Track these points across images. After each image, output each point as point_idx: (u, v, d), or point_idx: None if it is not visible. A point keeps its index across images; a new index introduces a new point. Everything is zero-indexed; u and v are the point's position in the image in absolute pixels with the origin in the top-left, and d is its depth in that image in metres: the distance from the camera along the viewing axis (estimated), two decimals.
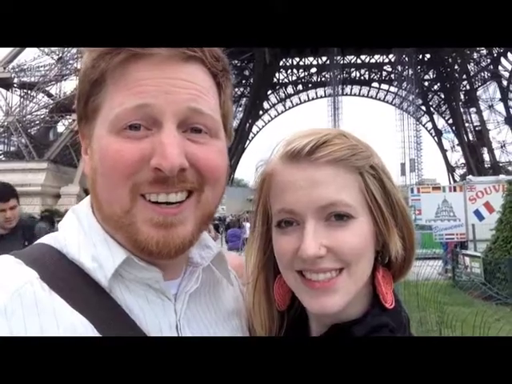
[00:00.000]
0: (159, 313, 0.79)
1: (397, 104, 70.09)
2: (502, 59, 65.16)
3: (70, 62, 49.40)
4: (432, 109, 74.88)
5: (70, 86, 50.49)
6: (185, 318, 0.83)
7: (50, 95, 50.21)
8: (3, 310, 0.65)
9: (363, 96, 77.70)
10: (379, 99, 76.82)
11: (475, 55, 67.64)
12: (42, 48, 48.97)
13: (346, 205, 0.80)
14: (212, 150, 0.78)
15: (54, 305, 0.69)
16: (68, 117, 48.06)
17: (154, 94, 0.73)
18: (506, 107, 66.55)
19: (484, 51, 66.48)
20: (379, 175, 0.85)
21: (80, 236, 0.80)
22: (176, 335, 0.80)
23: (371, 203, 0.83)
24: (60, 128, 50.18)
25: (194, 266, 0.89)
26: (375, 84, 76.53)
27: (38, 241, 0.83)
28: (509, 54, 63.41)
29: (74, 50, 48.98)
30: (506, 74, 65.49)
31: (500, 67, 66.23)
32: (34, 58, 49.58)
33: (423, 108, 73.92)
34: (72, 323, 0.69)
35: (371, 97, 77.25)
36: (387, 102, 75.69)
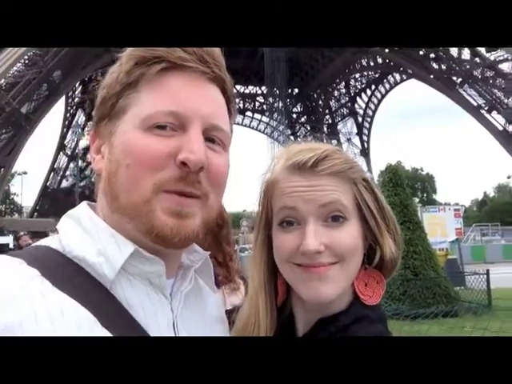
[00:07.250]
0: (158, 310, 0.84)
1: (268, 133, 74.31)
2: (358, 98, 73.73)
3: None
4: (299, 139, 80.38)
5: None
6: (181, 316, 0.88)
7: None
8: (10, 299, 0.67)
9: (238, 124, 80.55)
10: (253, 128, 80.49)
11: (336, 93, 75.26)
12: None
13: (342, 204, 0.93)
14: (223, 160, 0.87)
15: (57, 299, 0.71)
16: None
17: (183, 103, 0.81)
18: (361, 141, 75.04)
19: (343, 90, 74.37)
20: (371, 186, 0.99)
21: (82, 234, 0.83)
22: (173, 333, 0.84)
23: (364, 208, 0.97)
24: None
25: (185, 269, 0.94)
26: (249, 113, 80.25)
27: (37, 243, 0.85)
28: (363, 94, 71.95)
29: None
30: (361, 112, 74.16)
31: (356, 105, 74.78)
32: None
33: (292, 138, 79.33)
34: (76, 316, 0.71)
35: (245, 125, 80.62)
36: (259, 130, 79.75)
